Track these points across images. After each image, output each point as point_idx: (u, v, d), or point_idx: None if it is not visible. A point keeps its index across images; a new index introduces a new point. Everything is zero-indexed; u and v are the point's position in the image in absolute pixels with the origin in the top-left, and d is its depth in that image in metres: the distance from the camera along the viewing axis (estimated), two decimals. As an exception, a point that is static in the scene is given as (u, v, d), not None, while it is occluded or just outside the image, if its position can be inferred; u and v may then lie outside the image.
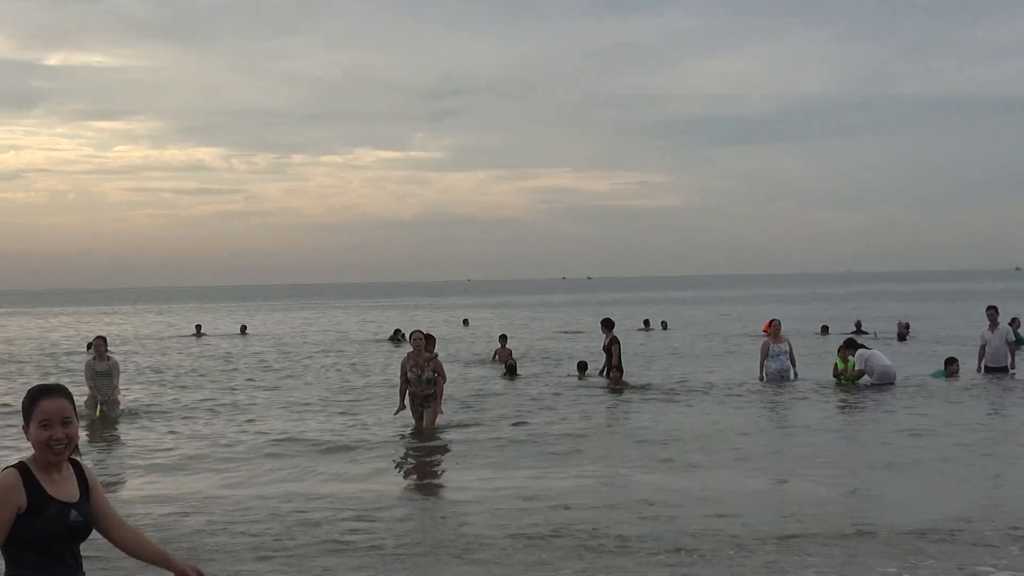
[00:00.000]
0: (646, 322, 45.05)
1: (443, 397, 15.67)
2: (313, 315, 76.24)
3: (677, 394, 19.62)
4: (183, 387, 22.97)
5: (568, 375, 23.72)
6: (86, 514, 4.28)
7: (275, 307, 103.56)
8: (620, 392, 19.89)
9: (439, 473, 12.42)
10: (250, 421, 16.77)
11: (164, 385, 23.62)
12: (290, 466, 12.53)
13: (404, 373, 15.07)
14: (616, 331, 22.36)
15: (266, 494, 10.70)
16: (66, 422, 4.21)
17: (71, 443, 4.23)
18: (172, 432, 15.85)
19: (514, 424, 16.00)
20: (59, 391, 4.29)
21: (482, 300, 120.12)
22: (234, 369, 27.56)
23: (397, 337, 39.77)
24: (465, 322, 53.25)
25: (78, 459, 4.40)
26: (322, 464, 12.71)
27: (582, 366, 23.88)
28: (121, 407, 16.74)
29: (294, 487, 11.20)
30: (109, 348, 17.10)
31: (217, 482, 11.72)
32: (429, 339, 16.28)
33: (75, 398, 4.40)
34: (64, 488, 4.26)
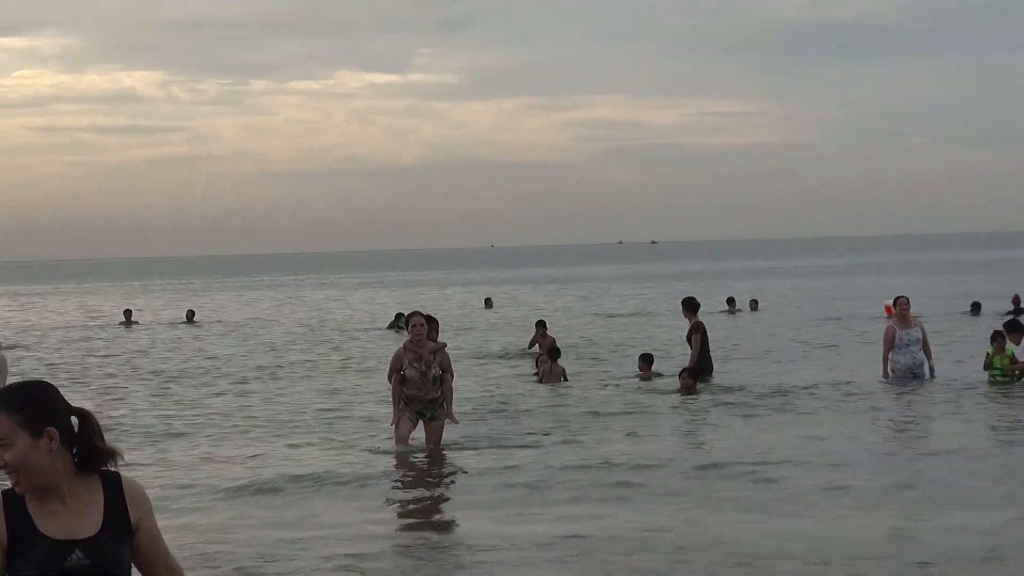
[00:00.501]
0: (730, 301, 45.33)
1: (453, 401, 15.32)
2: (283, 296, 76.89)
3: (773, 400, 19.41)
4: (107, 397, 22.97)
5: (635, 375, 23.82)
6: (103, 553, 4.12)
7: (231, 285, 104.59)
8: (694, 396, 19.72)
9: (446, 513, 12.33)
10: (197, 447, 16.58)
11: (79, 393, 23.61)
12: (252, 510, 12.36)
13: (399, 370, 14.76)
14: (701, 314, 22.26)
15: (215, 551, 10.59)
16: (2, 444, 4.07)
17: (20, 470, 4.07)
18: None
19: (551, 442, 15.88)
20: None
21: (510, 273, 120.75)
22: (179, 371, 27.80)
23: (399, 324, 39.85)
24: (487, 302, 53.52)
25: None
26: (291, 507, 12.52)
27: (647, 360, 23.87)
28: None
29: (260, 534, 11.07)
30: (-4, 342, 17.14)
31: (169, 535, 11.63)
32: (431, 323, 15.88)
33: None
34: (67, 521, 4.13)
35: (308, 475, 13.86)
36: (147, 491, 4.28)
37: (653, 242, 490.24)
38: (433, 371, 14.79)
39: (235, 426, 18.22)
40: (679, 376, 20.78)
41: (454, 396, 15.39)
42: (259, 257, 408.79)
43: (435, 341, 15.37)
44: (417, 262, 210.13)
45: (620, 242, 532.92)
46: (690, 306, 22.44)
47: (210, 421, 18.87)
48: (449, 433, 15.43)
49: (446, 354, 15.06)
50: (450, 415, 15.09)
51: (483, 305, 52.63)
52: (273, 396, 22.36)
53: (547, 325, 28.45)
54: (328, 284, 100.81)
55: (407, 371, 14.77)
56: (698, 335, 22.18)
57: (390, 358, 15.20)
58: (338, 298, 70.02)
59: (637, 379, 23.17)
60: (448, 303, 58.81)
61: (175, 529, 10.86)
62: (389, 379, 15.03)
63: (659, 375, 23.24)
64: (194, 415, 19.67)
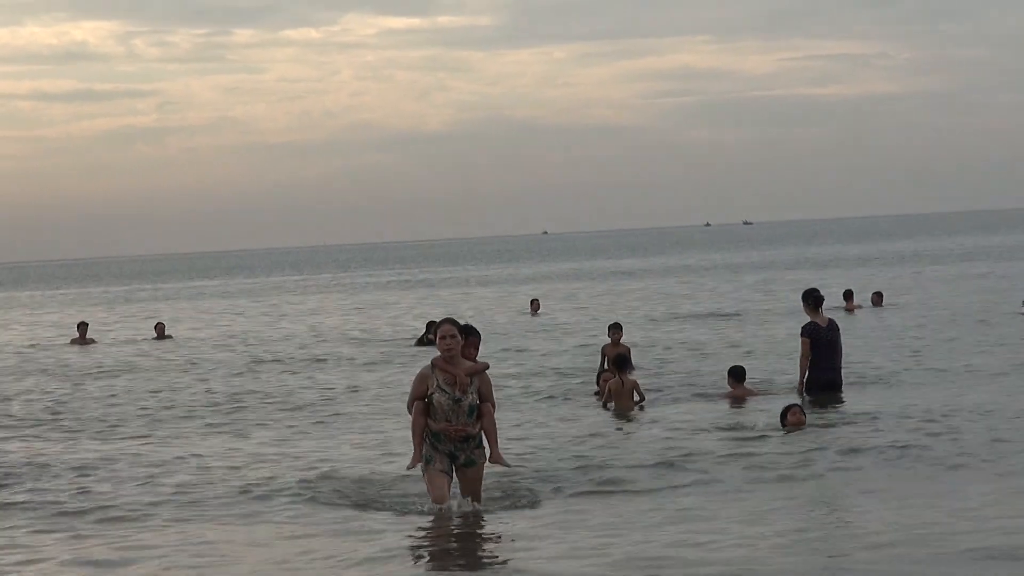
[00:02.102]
0: (847, 295, 45.05)
1: (498, 437, 14.50)
2: (276, 301, 77.01)
3: (906, 435, 18.58)
4: (58, 432, 23.21)
5: (723, 395, 23.77)
6: None
7: (210, 290, 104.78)
8: (801, 431, 19.09)
9: None
10: (161, 488, 16.68)
11: (13, 428, 23.80)
12: None
13: (423, 396, 14.18)
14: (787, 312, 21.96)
15: None
16: None
17: None
18: (43, 521, 15.59)
19: (617, 488, 15.72)
20: None
21: (565, 266, 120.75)
22: (150, 398, 28.02)
23: (430, 337, 39.61)
24: (534, 305, 53.34)
25: None
26: None
27: (736, 375, 23.89)
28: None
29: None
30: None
31: None
32: (468, 334, 14.62)
33: None
34: None
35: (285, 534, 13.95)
36: None
37: (746, 223, 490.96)
38: (470, 398, 14.16)
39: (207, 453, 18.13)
40: (784, 415, 19.59)
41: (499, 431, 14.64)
42: (247, 254, 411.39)
43: (474, 359, 14.49)
44: (448, 255, 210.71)
45: (707, 224, 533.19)
46: (813, 300, 22.38)
47: (168, 450, 18.85)
48: (492, 481, 15.10)
49: (487, 378, 14.37)
50: (498, 456, 14.35)
51: (529, 308, 52.50)
52: (245, 424, 22.98)
53: (622, 328, 27.97)
54: (331, 287, 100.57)
55: (435, 396, 14.09)
56: (805, 342, 21.94)
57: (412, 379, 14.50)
58: (346, 304, 69.99)
59: (727, 401, 23.15)
60: (483, 306, 58.69)
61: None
62: (409, 409, 14.35)
63: (765, 389, 23.62)
64: (150, 452, 19.55)
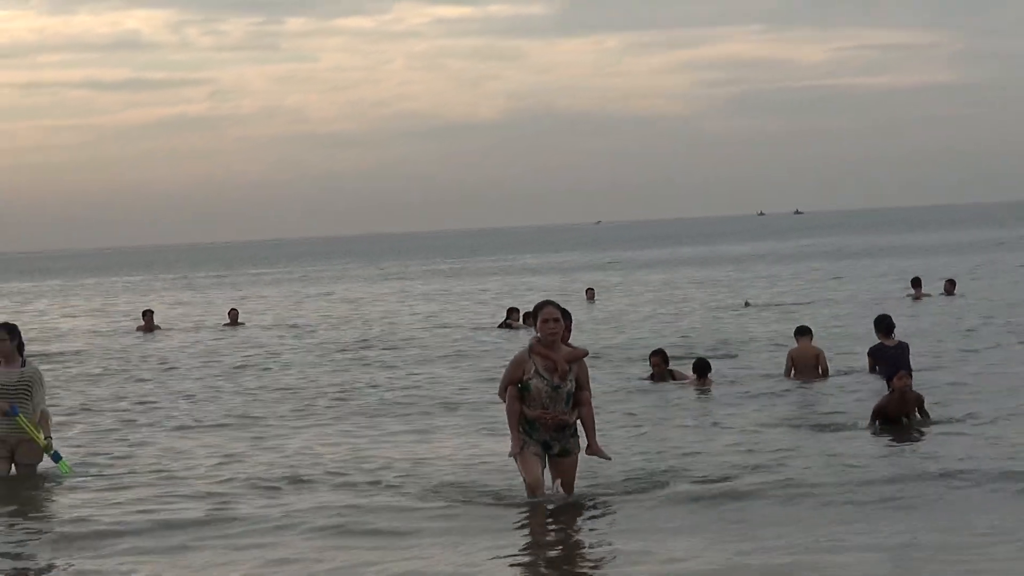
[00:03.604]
0: (915, 282, 44.67)
1: (596, 426, 14.10)
2: (335, 289, 77.16)
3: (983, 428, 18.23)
4: (136, 410, 23.51)
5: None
6: None
7: (270, 277, 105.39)
8: (904, 392, 18.43)
9: None
10: (253, 477, 16.43)
11: (102, 413, 23.94)
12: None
13: (517, 381, 13.73)
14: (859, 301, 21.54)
15: None
16: None
17: None
18: (126, 487, 15.91)
19: (709, 478, 15.26)
20: None
21: (620, 254, 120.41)
22: (236, 385, 27.90)
23: (512, 321, 39.49)
24: (589, 293, 53.14)
25: None
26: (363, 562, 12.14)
27: (700, 368, 24.13)
28: (49, 441, 16.57)
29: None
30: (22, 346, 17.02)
31: None
32: (565, 318, 14.08)
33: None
34: None
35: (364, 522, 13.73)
36: None
37: (797, 212, 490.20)
38: (568, 386, 13.67)
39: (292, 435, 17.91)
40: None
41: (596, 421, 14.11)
42: (298, 242, 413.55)
43: (570, 344, 14.04)
44: (500, 244, 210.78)
45: (760, 213, 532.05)
46: (878, 327, 22.05)
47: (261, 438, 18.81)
48: (587, 471, 14.66)
49: (584, 366, 13.90)
50: (596, 448, 13.94)
51: (585, 297, 52.32)
52: (333, 409, 22.78)
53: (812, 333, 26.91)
54: (387, 275, 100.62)
55: (532, 383, 13.59)
56: (870, 360, 22.47)
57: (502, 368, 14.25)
58: (401, 292, 69.98)
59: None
60: (535, 295, 58.46)
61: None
62: (501, 395, 13.94)
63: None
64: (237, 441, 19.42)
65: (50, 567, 12.30)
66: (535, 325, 13.87)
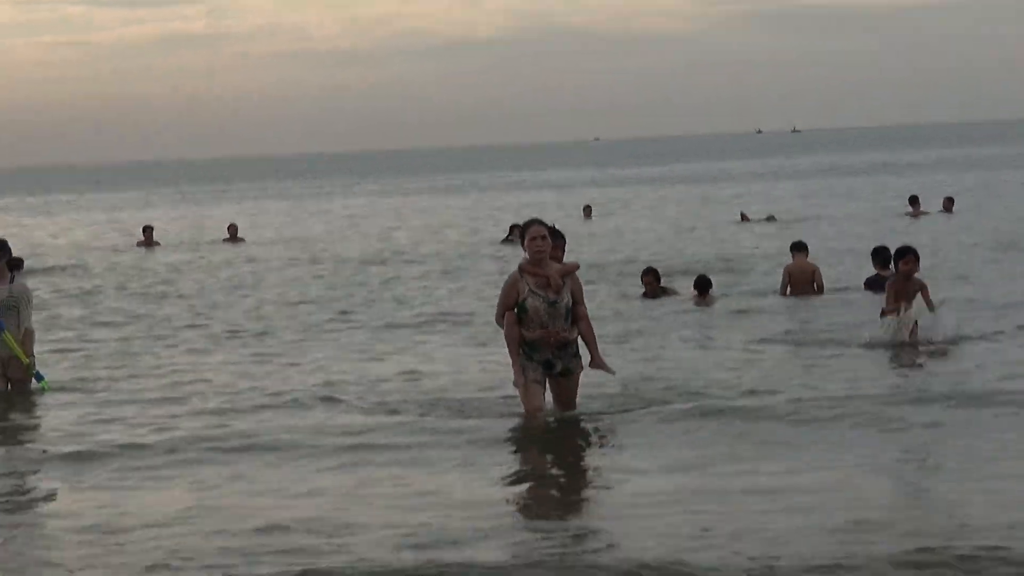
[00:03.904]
0: (913, 200, 44.46)
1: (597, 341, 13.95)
2: (334, 205, 77.08)
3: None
4: (136, 327, 23.50)
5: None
6: None
7: (266, 193, 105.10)
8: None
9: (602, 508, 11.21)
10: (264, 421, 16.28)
11: (104, 326, 23.88)
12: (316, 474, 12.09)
13: (513, 305, 13.56)
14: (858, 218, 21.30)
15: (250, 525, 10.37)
16: None
17: None
18: (113, 405, 15.79)
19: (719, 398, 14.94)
20: None
21: (617, 172, 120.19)
22: (235, 297, 27.89)
23: (515, 238, 39.49)
24: (587, 211, 53.01)
25: None
26: (359, 472, 12.15)
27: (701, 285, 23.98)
28: (32, 360, 16.47)
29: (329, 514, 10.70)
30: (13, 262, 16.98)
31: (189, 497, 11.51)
32: (555, 237, 14.04)
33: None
34: None
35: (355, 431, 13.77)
36: None
37: (795, 130, 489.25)
38: (566, 300, 13.47)
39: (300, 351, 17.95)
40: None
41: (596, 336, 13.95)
42: (296, 159, 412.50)
43: (563, 263, 13.92)
44: (500, 160, 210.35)
45: (759, 131, 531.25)
46: (877, 258, 22.04)
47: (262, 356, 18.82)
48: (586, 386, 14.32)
49: (578, 280, 13.72)
50: (599, 361, 13.86)
51: (583, 214, 52.17)
52: (339, 327, 22.39)
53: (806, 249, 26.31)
54: (385, 190, 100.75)
55: (528, 302, 13.39)
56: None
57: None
58: (400, 208, 69.95)
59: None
60: (538, 212, 58.32)
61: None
62: (499, 321, 13.79)
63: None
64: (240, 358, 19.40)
65: (46, 487, 12.16)
66: (523, 244, 13.66)
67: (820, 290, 24.24)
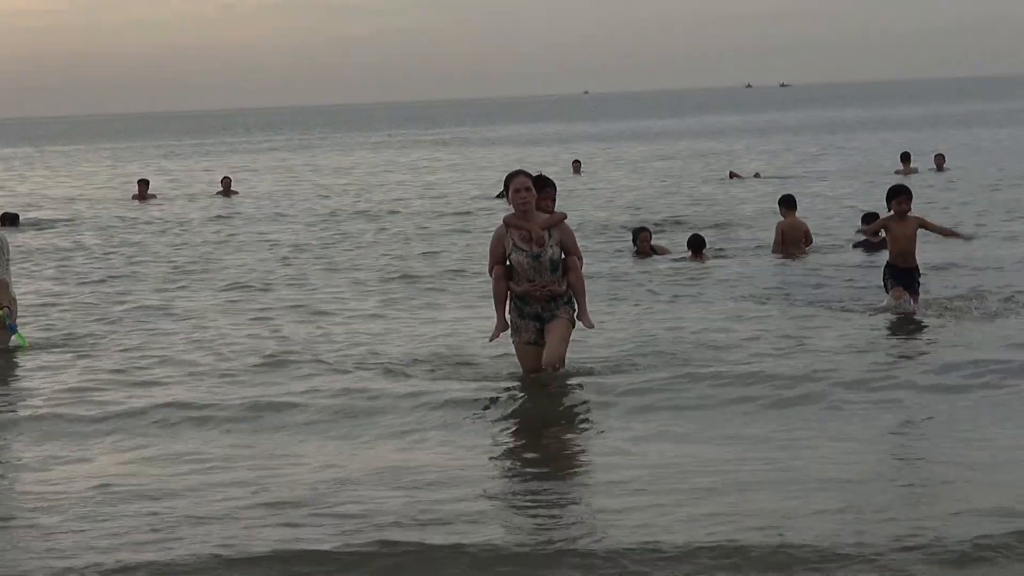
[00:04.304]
0: (904, 157, 44.50)
1: (586, 297, 13.65)
2: (321, 159, 77.00)
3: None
4: (127, 282, 23.35)
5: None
6: None
7: (255, 146, 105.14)
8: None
9: (581, 465, 11.33)
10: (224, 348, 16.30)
11: (87, 283, 23.77)
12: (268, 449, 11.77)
13: (502, 259, 13.38)
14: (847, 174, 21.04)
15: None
16: None
17: None
18: (92, 360, 15.80)
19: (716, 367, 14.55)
20: None
21: (608, 127, 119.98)
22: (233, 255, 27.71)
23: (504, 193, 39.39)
24: (576, 166, 52.99)
25: None
26: (326, 438, 12.06)
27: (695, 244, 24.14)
28: (6, 311, 16.14)
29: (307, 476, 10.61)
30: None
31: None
32: (540, 184, 13.67)
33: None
34: None
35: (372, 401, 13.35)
36: None
37: (783, 84, 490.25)
38: (550, 252, 13.22)
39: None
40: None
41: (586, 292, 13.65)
42: (287, 110, 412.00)
43: (552, 213, 13.53)
44: (488, 114, 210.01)
45: (748, 85, 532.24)
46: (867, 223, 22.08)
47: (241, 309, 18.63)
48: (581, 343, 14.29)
49: (568, 229, 13.44)
50: (585, 316, 13.50)
51: (572, 169, 52.14)
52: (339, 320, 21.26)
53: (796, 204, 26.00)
54: (371, 143, 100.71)
55: (513, 257, 13.24)
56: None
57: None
58: (389, 163, 69.97)
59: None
60: (523, 165, 58.25)
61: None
62: (491, 272, 13.58)
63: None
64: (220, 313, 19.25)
65: (30, 455, 11.84)
66: (507, 197, 13.43)
67: (809, 241, 24.29)
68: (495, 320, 13.60)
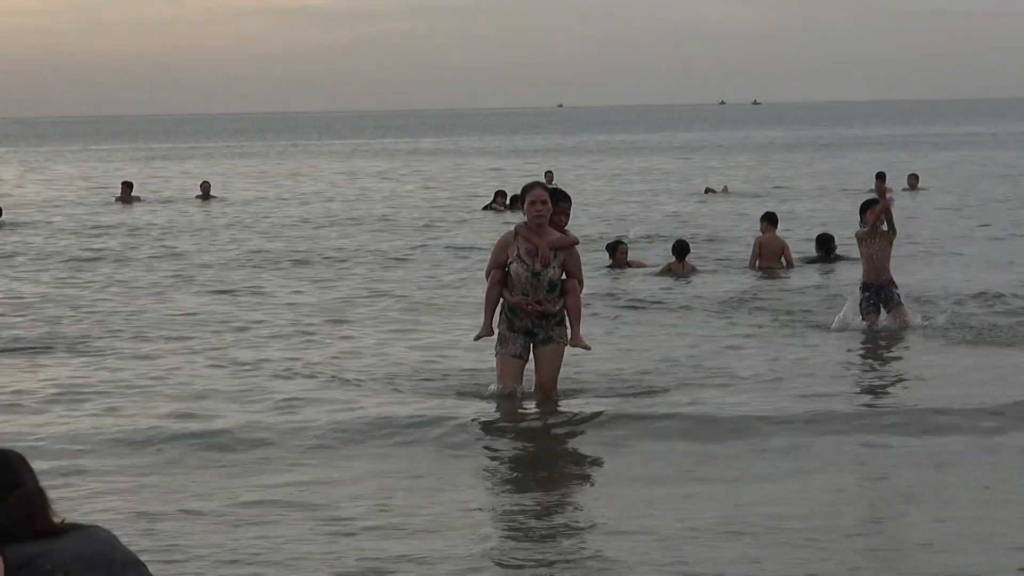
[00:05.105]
0: (879, 176, 44.29)
1: (580, 319, 13.33)
2: (301, 165, 77.35)
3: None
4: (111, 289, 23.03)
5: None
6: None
7: (232, 151, 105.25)
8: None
9: (571, 498, 10.90)
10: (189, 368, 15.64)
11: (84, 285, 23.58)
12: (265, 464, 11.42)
13: (503, 264, 13.10)
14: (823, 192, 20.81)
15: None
16: None
17: None
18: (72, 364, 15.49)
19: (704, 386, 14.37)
20: None
21: (580, 139, 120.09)
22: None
23: (498, 204, 39.34)
24: (547, 177, 53.10)
25: None
26: (308, 463, 11.53)
27: (679, 251, 23.96)
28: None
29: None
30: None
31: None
32: (556, 198, 13.39)
33: None
34: None
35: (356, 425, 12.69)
36: None
37: (755, 102, 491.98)
38: (551, 273, 12.94)
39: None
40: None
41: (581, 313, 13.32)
42: (264, 116, 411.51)
43: (563, 228, 13.25)
44: (463, 125, 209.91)
45: (722, 102, 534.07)
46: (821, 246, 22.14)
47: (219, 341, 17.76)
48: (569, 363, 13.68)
49: (576, 253, 13.17)
50: (577, 338, 13.20)
51: (544, 180, 52.04)
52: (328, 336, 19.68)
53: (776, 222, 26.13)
54: (349, 150, 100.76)
55: (513, 267, 12.98)
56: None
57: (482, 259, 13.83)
58: (372, 168, 70.00)
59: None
60: (499, 178, 58.38)
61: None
62: (488, 276, 13.28)
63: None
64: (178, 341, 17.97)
65: None
66: (522, 208, 13.18)
67: (789, 265, 24.31)
68: (483, 320, 13.29)
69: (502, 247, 13.14)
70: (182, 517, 9.92)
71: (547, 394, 13.24)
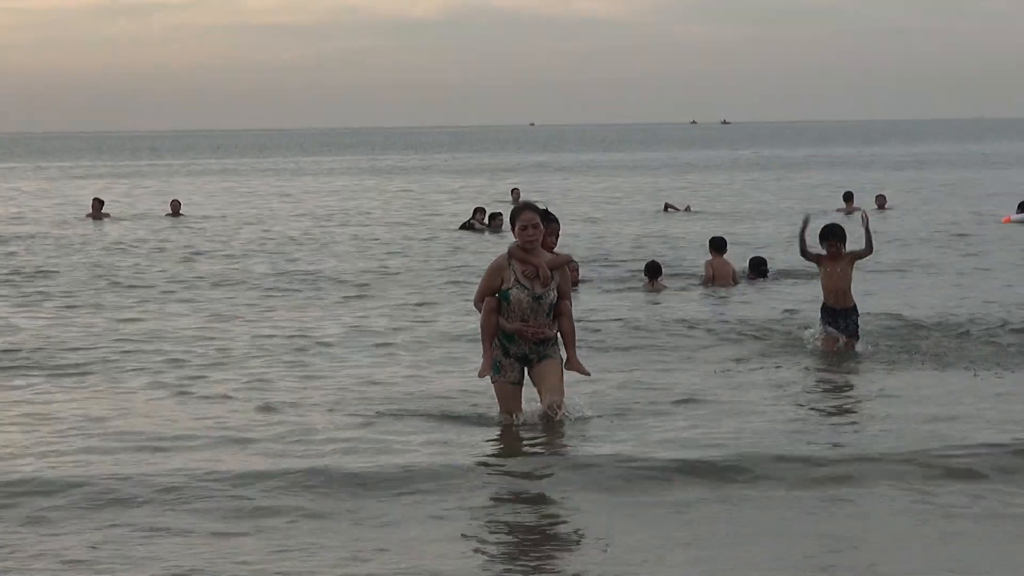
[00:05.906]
0: (847, 196, 44.81)
1: (576, 342, 12.97)
2: (269, 183, 77.15)
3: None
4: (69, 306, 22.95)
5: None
6: None
7: (208, 168, 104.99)
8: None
9: (576, 536, 10.06)
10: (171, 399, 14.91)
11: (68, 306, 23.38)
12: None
13: (495, 291, 12.62)
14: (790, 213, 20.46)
15: None
16: None
17: None
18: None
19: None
20: None
21: (550, 158, 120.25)
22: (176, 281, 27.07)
23: (476, 222, 38.94)
24: (514, 194, 53.11)
25: None
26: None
27: (652, 270, 24.50)
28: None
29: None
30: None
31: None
32: (548, 220, 13.07)
33: None
34: None
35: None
36: None
37: (724, 122, 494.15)
38: (551, 295, 12.60)
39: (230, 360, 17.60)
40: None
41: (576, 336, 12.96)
42: (231, 134, 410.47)
43: (552, 250, 13.00)
44: (434, 143, 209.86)
45: (693, 122, 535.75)
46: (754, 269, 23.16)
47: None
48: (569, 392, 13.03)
49: (567, 273, 12.85)
50: (575, 363, 12.84)
51: (510, 196, 51.96)
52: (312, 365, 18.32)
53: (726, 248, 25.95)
54: (320, 169, 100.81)
55: (512, 292, 12.53)
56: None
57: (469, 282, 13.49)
58: (340, 186, 70.10)
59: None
60: (469, 195, 58.44)
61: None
62: (477, 305, 12.80)
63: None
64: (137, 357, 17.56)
65: None
66: (513, 231, 12.74)
67: (736, 281, 24.72)
68: (484, 355, 12.76)
69: (495, 272, 12.64)
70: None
71: (553, 411, 12.68)
